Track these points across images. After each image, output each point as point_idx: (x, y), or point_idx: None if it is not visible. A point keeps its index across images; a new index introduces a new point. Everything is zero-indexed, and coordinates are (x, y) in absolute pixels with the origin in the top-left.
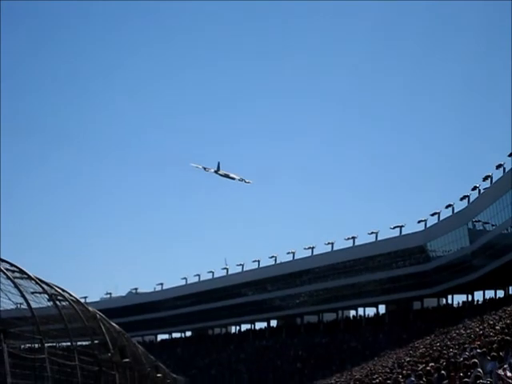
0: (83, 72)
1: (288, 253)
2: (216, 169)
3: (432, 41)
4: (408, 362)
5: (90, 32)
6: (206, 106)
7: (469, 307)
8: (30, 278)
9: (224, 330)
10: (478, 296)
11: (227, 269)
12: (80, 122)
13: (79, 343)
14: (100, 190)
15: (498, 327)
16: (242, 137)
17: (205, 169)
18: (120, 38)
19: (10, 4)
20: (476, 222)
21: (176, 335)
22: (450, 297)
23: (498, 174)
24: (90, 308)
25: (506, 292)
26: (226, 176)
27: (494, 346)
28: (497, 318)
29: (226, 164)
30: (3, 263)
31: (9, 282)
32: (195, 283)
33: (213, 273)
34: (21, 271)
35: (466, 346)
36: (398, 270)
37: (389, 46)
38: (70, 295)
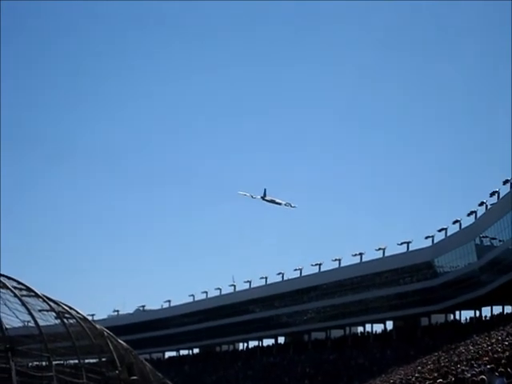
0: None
1: (295, 269)
2: (262, 195)
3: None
4: (416, 378)
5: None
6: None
7: (476, 323)
8: (37, 295)
9: (231, 346)
10: (486, 312)
11: (235, 286)
12: (102, 136)
13: (87, 361)
14: (107, 206)
15: (506, 343)
16: (246, 147)
17: (252, 196)
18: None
19: (10, 4)
20: (483, 237)
21: (184, 352)
22: (457, 313)
23: (504, 190)
24: (98, 325)
25: None
26: (272, 201)
27: (502, 361)
28: (505, 333)
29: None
30: (10, 281)
31: (16, 299)
32: (203, 300)
33: (220, 290)
34: (28, 289)
35: (474, 362)
36: (406, 286)
37: (395, 51)
38: (78, 313)
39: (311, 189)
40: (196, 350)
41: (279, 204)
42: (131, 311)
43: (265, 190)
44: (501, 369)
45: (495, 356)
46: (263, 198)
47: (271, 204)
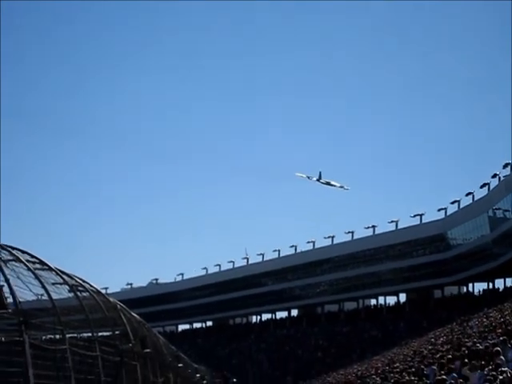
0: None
1: (308, 242)
2: (318, 177)
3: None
4: (429, 350)
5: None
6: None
7: (489, 295)
8: (50, 269)
9: (244, 319)
10: (499, 284)
11: (248, 258)
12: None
13: (100, 334)
14: (120, 178)
15: None
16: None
17: (308, 177)
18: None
19: (10, 4)
20: (496, 209)
21: (197, 325)
22: (470, 285)
23: None
24: (111, 298)
25: None
26: (328, 184)
27: None
28: None
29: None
30: (24, 254)
31: (29, 273)
32: (216, 273)
33: (233, 262)
34: (41, 262)
35: (487, 333)
36: (419, 259)
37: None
38: (91, 286)
39: (323, 162)
40: (209, 323)
41: (334, 186)
42: (144, 284)
43: (320, 172)
44: None
45: (508, 328)
46: (319, 179)
47: (326, 186)
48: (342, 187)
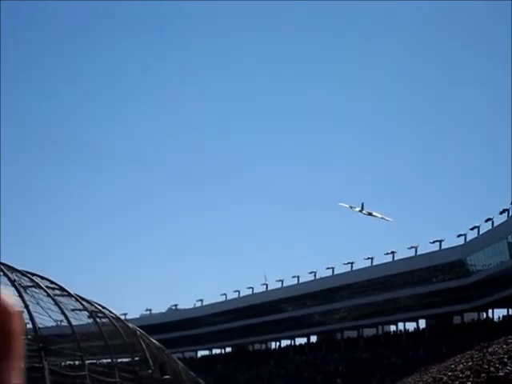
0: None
1: (327, 268)
2: (360, 208)
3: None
4: (448, 376)
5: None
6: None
7: (509, 321)
8: (70, 295)
9: (264, 345)
10: None
11: (267, 284)
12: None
13: (119, 360)
14: (140, 204)
15: None
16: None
17: (351, 207)
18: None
19: (11, 4)
20: None
21: (216, 351)
22: (490, 311)
23: None
24: (130, 325)
25: None
26: (370, 214)
27: None
28: None
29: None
30: (44, 281)
31: (49, 299)
32: (235, 299)
33: (252, 288)
34: (61, 289)
35: (507, 360)
36: (438, 285)
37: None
38: (110, 312)
39: (345, 185)
40: (228, 349)
41: (375, 217)
42: (164, 310)
43: (362, 203)
44: None
45: None
46: (361, 210)
47: (368, 216)
48: (383, 218)
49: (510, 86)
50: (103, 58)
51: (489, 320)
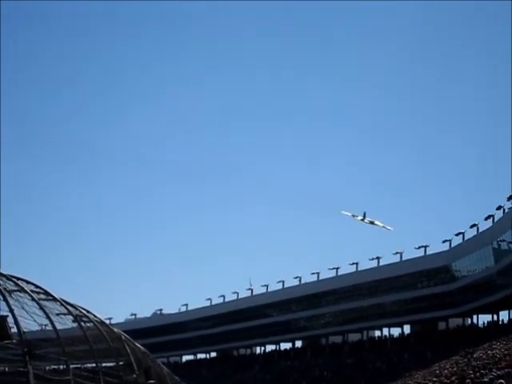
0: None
1: (312, 273)
2: (362, 217)
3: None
4: (433, 382)
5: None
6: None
7: (494, 327)
8: (54, 299)
9: (249, 350)
10: (504, 316)
11: (252, 289)
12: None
13: (104, 364)
14: (124, 209)
15: None
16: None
17: (353, 216)
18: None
19: (10, 4)
20: (501, 241)
21: (201, 356)
22: (475, 317)
23: None
24: (115, 329)
25: None
26: (372, 223)
27: None
28: None
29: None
30: (29, 285)
31: (34, 303)
32: (220, 304)
33: (237, 293)
34: (46, 293)
35: (492, 366)
36: (423, 290)
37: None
38: (95, 316)
39: (328, 191)
40: (213, 354)
41: (377, 226)
42: (148, 315)
43: (364, 212)
44: None
45: None
46: (363, 219)
47: (370, 225)
48: (384, 227)
49: (510, 86)
50: (103, 58)
51: (474, 326)
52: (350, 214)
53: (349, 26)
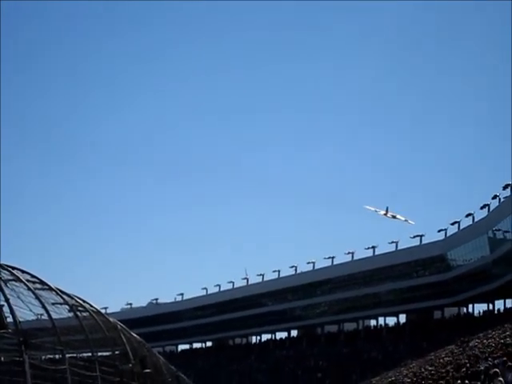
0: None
1: (308, 262)
2: (385, 211)
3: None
4: (429, 371)
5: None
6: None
7: (489, 316)
8: (50, 289)
9: (244, 340)
10: (499, 305)
11: (247, 279)
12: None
13: (100, 354)
14: (121, 199)
15: None
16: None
17: (376, 211)
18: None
19: (10, 4)
20: (496, 230)
21: (197, 345)
22: (470, 306)
23: None
24: (111, 318)
25: None
26: (394, 217)
27: None
28: None
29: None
30: (24, 274)
31: (30, 293)
32: (215, 293)
33: (233, 283)
34: (41, 282)
35: (487, 355)
36: (419, 280)
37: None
38: (91, 306)
39: (323, 181)
40: (209, 343)
41: (399, 220)
42: (144, 304)
43: (387, 207)
44: None
45: (508, 349)
46: (385, 213)
47: (392, 219)
48: (406, 221)
49: (510, 86)
50: (103, 58)
51: (469, 315)
52: (372, 209)
53: (349, 25)
